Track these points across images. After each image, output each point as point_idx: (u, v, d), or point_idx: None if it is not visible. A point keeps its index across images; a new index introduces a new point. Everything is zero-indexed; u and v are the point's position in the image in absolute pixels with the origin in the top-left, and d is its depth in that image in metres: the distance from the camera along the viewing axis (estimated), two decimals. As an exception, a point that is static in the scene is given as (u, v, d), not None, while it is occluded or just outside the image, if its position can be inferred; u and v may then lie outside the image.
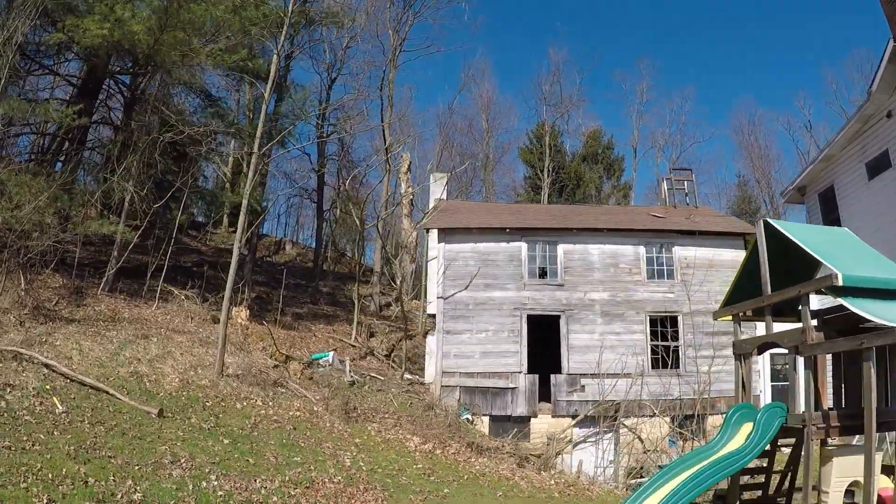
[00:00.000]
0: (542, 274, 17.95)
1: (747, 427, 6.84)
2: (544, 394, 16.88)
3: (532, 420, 16.59)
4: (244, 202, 13.62)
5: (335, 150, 37.97)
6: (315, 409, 12.66)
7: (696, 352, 17.59)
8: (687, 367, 17.55)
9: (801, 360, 6.90)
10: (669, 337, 17.85)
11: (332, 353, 17.18)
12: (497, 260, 17.63)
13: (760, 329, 10.19)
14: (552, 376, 16.94)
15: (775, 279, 7.41)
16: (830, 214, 16.24)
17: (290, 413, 11.89)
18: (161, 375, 11.63)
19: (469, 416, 15.78)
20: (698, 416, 16.86)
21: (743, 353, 7.91)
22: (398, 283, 20.55)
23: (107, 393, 9.76)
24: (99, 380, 10.24)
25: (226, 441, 9.35)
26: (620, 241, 18.29)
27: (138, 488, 6.87)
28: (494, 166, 44.26)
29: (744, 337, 8.26)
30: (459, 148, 43.34)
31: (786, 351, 7.57)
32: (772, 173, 43.03)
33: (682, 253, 18.48)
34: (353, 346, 21.93)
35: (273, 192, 43.34)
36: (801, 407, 6.90)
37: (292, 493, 8.10)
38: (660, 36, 72.90)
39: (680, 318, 17.92)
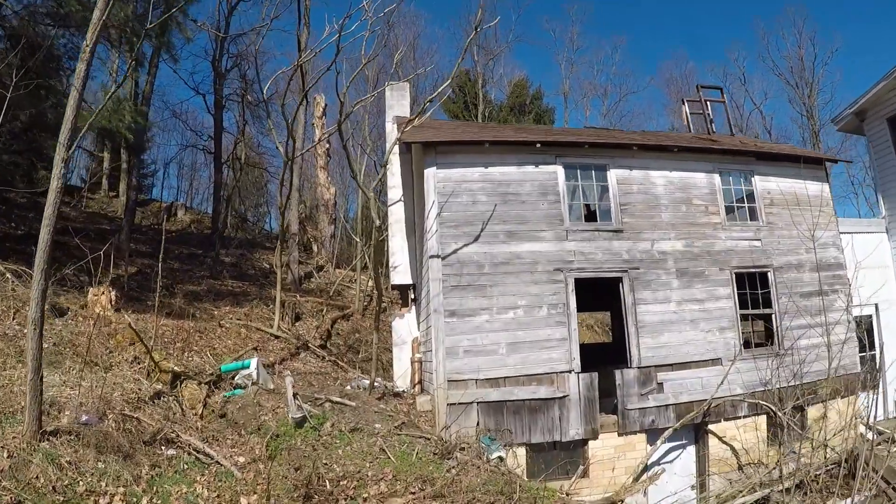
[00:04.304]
0: (591, 215, 11.61)
1: None
2: (604, 401, 10.70)
3: (590, 444, 10.34)
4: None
5: (237, 87, 30.07)
6: (242, 497, 5.70)
7: (792, 320, 12.12)
8: (783, 342, 12.02)
9: None
10: (761, 302, 12.20)
11: (254, 361, 10.00)
12: (522, 193, 10.93)
13: None
14: (617, 372, 10.69)
15: None
16: (907, 141, 13.69)
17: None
18: None
19: (501, 454, 9.26)
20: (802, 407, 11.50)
21: None
22: (364, 244, 13.55)
23: None
24: None
25: None
26: (690, 166, 12.26)
27: None
28: (427, 117, 37.80)
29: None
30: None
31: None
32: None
33: (764, 185, 12.81)
34: (278, 336, 14.86)
35: (160, 139, 34.72)
36: None
37: None
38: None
39: (771, 276, 12.29)
